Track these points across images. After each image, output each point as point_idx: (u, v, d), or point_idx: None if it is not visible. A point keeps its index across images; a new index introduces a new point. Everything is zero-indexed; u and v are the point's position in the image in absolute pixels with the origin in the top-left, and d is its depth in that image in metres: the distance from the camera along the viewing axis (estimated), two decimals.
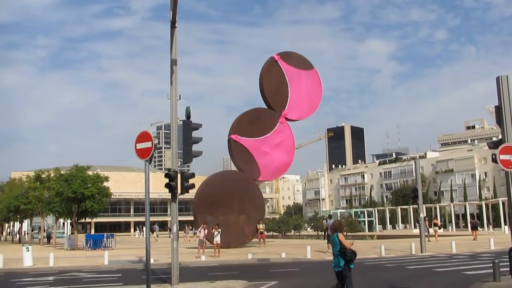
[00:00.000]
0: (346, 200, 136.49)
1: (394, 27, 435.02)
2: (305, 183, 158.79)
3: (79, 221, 43.00)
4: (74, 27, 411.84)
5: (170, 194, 16.00)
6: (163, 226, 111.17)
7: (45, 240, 53.06)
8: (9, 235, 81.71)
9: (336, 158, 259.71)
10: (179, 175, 15.67)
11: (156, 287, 15.41)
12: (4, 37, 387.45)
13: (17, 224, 73.79)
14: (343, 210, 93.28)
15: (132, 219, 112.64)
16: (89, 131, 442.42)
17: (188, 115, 16.07)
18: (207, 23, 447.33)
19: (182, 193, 15.78)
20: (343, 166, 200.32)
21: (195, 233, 61.02)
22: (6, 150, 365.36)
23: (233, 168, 42.09)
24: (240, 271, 20.59)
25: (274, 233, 56.19)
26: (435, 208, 78.41)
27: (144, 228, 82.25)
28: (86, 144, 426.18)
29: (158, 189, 65.99)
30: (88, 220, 49.34)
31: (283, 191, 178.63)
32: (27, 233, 67.02)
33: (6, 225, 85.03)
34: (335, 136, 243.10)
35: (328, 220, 30.56)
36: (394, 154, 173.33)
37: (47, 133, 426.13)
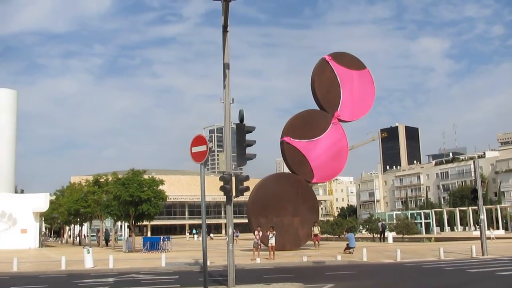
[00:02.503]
0: (402, 202, 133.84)
1: (448, 24, 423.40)
2: (359, 185, 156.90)
3: (136, 224, 44.00)
4: (128, 35, 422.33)
5: (224, 197, 16.13)
6: (217, 228, 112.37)
7: (104, 242, 54.55)
8: (70, 237, 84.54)
9: (390, 159, 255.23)
10: (233, 178, 15.79)
11: None
12: (62, 46, 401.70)
13: (77, 227, 76.15)
14: (399, 212, 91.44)
15: (187, 221, 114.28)
16: (144, 136, 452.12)
17: (241, 118, 16.17)
18: (257, 27, 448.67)
19: (237, 195, 15.89)
20: (398, 167, 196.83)
21: (237, 236, 61.69)
22: (66, 155, 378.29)
23: (286, 170, 42.02)
24: (295, 274, 20.53)
25: (328, 236, 55.73)
26: (496, 209, 75.79)
27: (194, 231, 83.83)
28: (141, 148, 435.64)
29: (212, 192, 66.64)
30: (144, 223, 50.45)
31: (336, 193, 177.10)
32: (87, 235, 69.10)
33: (67, 228, 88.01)
34: (389, 136, 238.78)
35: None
36: (451, 154, 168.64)
37: (104, 138, 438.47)
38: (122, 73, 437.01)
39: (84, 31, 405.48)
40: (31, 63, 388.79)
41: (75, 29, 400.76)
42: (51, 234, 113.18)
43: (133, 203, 38.90)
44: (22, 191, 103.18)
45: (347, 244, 31.25)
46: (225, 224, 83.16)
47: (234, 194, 15.87)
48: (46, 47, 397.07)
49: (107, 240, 54.36)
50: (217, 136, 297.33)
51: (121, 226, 75.53)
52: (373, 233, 54.60)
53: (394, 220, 63.26)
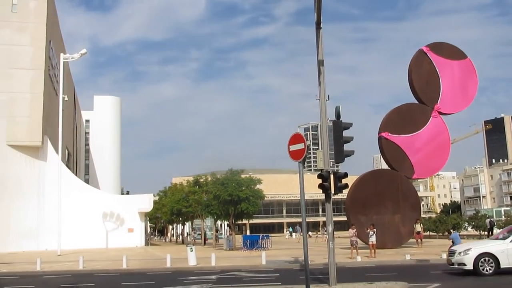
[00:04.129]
0: (511, 197, 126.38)
1: None
2: (462, 180, 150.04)
3: (235, 222, 44.82)
4: (222, 38, 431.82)
5: (323, 194, 15.99)
6: (315, 226, 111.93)
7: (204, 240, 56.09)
8: (173, 236, 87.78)
9: (495, 152, 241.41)
10: (332, 176, 15.62)
11: (314, 287, 15.48)
12: (160, 53, 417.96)
13: (179, 226, 78.85)
14: (508, 208, 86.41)
15: (285, 220, 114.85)
16: (240, 136, 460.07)
17: (338, 115, 15.97)
18: (350, 22, 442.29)
19: (335, 193, 15.72)
20: (505, 160, 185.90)
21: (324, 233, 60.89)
22: (167, 157, 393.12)
23: (384, 166, 41.03)
24: (398, 272, 19.96)
25: (431, 233, 53.72)
26: None
27: (290, 229, 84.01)
28: (239, 149, 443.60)
29: (308, 190, 66.29)
30: (243, 221, 51.28)
31: (438, 189, 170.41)
32: (189, 234, 71.40)
33: (170, 227, 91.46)
34: (494, 128, 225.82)
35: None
36: None
37: (202, 140, 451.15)
38: (218, 76, 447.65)
39: (180, 37, 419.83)
40: (132, 70, 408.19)
41: (172, 36, 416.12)
42: (155, 233, 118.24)
43: (232, 202, 39.63)
44: (127, 193, 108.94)
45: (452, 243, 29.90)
46: (323, 222, 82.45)
47: (333, 191, 15.70)
48: (146, 55, 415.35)
49: (204, 239, 55.95)
50: (312, 134, 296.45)
51: (221, 225, 77.37)
52: (479, 231, 51.95)
53: (503, 217, 59.81)
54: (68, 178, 51.43)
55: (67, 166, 61.40)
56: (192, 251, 25.91)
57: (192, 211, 54.44)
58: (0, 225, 48.09)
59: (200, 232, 62.63)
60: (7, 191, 49.64)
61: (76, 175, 67.85)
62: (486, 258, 17.10)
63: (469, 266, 17.25)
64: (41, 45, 52.74)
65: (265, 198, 50.05)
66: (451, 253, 18.71)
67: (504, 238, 17.97)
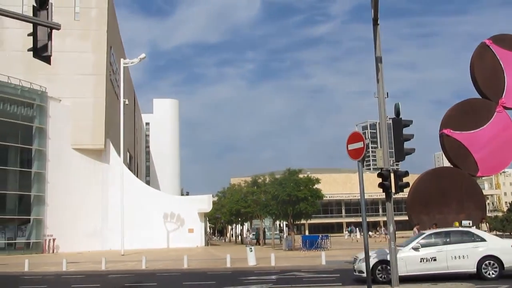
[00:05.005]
0: None
1: None
2: None
3: (294, 222, 44.70)
4: (278, 39, 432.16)
5: (383, 194, 15.70)
6: (375, 226, 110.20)
7: (262, 241, 56.25)
8: (232, 236, 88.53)
9: None
10: (392, 174, 15.31)
11: (377, 287, 15.21)
12: (217, 56, 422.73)
13: (238, 226, 79.43)
14: None
15: (344, 219, 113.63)
16: (298, 136, 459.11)
17: (397, 112, 15.63)
18: (408, 18, 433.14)
19: (396, 192, 15.40)
20: None
21: (386, 234, 59.65)
22: (226, 158, 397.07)
23: (446, 164, 39.86)
24: None
25: (497, 232, 51.90)
26: None
27: (349, 228, 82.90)
28: (296, 148, 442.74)
29: (368, 189, 65.39)
30: (302, 221, 51.09)
31: (504, 187, 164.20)
32: (246, 236, 71.81)
33: (229, 227, 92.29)
34: None
35: None
36: None
37: (260, 140, 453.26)
38: (274, 76, 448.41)
39: (236, 39, 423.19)
40: (190, 73, 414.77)
41: (228, 38, 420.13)
42: (215, 233, 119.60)
43: (291, 202, 39.55)
44: (187, 193, 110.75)
45: None
46: (383, 222, 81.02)
47: (393, 190, 15.38)
48: (203, 58, 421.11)
49: (257, 239, 56.11)
50: (370, 132, 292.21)
51: (279, 225, 77.42)
52: None
53: None
54: (130, 179, 52.84)
55: (129, 168, 63.08)
56: (251, 251, 26.04)
57: (251, 212, 54.73)
58: (67, 225, 49.82)
59: (254, 233, 62.90)
60: (73, 193, 51.46)
61: (137, 176, 69.59)
62: (384, 266, 16.79)
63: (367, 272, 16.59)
64: (102, 51, 54.49)
65: (324, 198, 49.68)
66: (355, 260, 18.20)
67: (405, 245, 17.62)
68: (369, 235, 75.00)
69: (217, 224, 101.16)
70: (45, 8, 12.77)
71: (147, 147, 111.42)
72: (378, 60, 16.09)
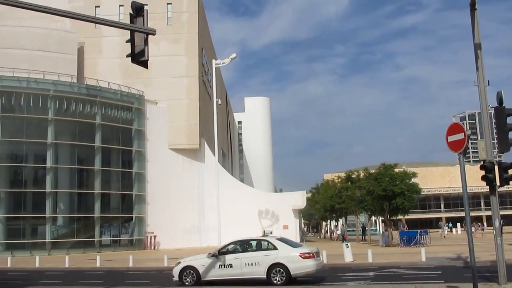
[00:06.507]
0: None
1: None
2: None
3: (391, 218, 43.71)
4: (368, 31, 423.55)
5: (486, 187, 14.94)
6: (476, 221, 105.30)
7: (360, 236, 55.45)
8: (327, 232, 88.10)
9: None
10: (496, 166, 14.53)
11: (482, 285, 14.52)
12: (305, 52, 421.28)
13: (333, 222, 78.89)
14: None
15: (443, 214, 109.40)
16: (391, 129, 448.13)
17: (500, 101, 14.77)
18: (508, 1, 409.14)
19: (501, 185, 14.61)
20: None
21: (483, 229, 56.94)
22: (318, 154, 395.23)
23: None
24: None
25: None
26: None
27: (450, 224, 79.64)
28: (389, 142, 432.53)
29: (468, 183, 62.71)
30: (399, 217, 49.85)
31: None
32: (340, 233, 71.10)
33: (324, 223, 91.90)
34: None
35: None
36: None
37: (351, 135, 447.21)
38: (364, 69, 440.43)
39: (324, 34, 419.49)
40: (279, 71, 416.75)
41: (316, 34, 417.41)
42: (309, 230, 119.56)
43: (387, 197, 38.70)
44: (280, 190, 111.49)
45: None
46: (486, 216, 77.19)
47: (498, 183, 14.59)
48: (291, 55, 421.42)
49: (363, 234, 55.42)
50: (469, 123, 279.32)
51: (375, 220, 75.97)
52: None
53: None
54: (224, 177, 53.96)
55: (223, 166, 64.43)
56: (348, 247, 25.79)
57: (346, 207, 54.15)
58: (168, 223, 51.75)
59: (353, 229, 62.10)
60: (171, 191, 53.36)
61: (231, 174, 70.98)
62: (189, 271, 18.32)
63: (176, 277, 18.50)
64: (194, 53, 56.07)
65: (421, 193, 48.12)
66: (177, 264, 19.29)
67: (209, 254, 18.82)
68: (463, 230, 71.74)
69: (312, 220, 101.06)
70: (141, 15, 13.30)
71: (240, 145, 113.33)
72: (477, 47, 15.30)
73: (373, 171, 42.57)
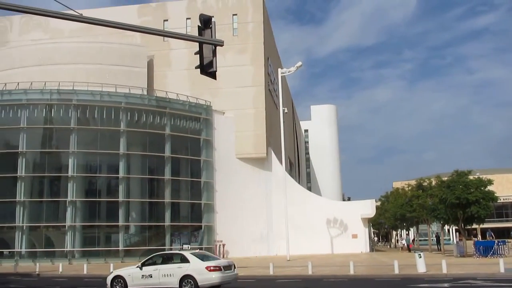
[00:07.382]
0: None
1: None
2: None
3: (465, 227, 42.16)
4: (437, 35, 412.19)
5: None
6: None
7: (435, 247, 53.78)
8: (397, 242, 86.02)
9: None
10: None
11: None
12: (373, 58, 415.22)
13: (403, 232, 76.96)
14: None
15: None
16: (463, 135, 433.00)
17: None
18: None
19: None
20: None
21: None
22: (387, 162, 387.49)
23: None
24: None
25: None
26: None
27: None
28: (462, 148, 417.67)
29: None
30: (474, 226, 47.98)
31: None
32: (415, 240, 69.15)
33: (394, 232, 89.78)
34: None
35: None
36: None
37: (422, 142, 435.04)
38: (434, 74, 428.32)
39: (392, 39, 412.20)
40: (346, 78, 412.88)
41: (383, 39, 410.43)
42: (379, 239, 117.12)
43: (460, 205, 37.38)
44: (349, 198, 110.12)
45: None
46: None
47: None
48: (358, 61, 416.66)
49: (438, 244, 53.76)
50: None
51: (448, 230, 73.52)
52: None
53: None
54: (292, 186, 53.81)
55: (290, 175, 64.34)
56: (420, 257, 25.04)
57: (417, 216, 52.71)
58: (236, 231, 52.19)
59: (425, 238, 60.30)
60: (239, 200, 53.76)
61: (298, 183, 70.71)
62: (119, 279, 20.38)
63: (108, 285, 20.52)
64: (260, 63, 56.47)
65: (498, 201, 46.14)
66: (110, 273, 21.59)
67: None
68: None
69: (381, 229, 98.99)
70: (209, 27, 13.55)
71: (307, 153, 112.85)
72: None
73: (446, 178, 41.27)
